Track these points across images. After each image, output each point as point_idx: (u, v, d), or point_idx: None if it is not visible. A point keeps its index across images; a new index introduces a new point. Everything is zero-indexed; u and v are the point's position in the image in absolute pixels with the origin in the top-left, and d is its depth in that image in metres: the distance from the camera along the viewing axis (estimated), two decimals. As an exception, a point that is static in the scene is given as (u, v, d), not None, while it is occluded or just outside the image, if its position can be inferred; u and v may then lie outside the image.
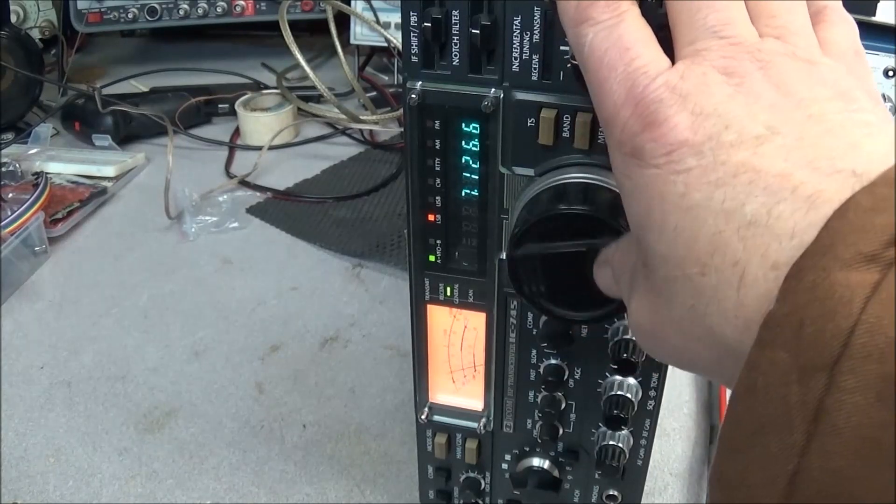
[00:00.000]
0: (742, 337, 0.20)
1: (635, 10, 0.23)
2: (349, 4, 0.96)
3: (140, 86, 1.05)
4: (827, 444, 0.16)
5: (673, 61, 0.22)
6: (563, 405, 0.37)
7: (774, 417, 0.17)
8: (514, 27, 0.28)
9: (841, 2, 0.25)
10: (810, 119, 0.20)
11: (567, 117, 0.29)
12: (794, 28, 0.22)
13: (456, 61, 0.29)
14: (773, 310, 0.18)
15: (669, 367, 0.35)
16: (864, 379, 0.16)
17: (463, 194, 0.32)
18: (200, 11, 1.05)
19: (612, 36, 0.23)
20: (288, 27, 0.83)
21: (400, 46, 0.53)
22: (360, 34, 1.00)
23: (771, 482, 0.17)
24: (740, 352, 0.19)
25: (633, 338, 0.26)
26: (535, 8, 0.27)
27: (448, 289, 0.35)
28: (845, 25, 0.24)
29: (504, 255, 0.33)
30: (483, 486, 0.42)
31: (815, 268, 0.18)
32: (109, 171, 0.84)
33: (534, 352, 0.36)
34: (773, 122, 0.20)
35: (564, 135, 0.29)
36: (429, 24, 0.28)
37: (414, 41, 0.29)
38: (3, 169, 0.78)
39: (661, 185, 0.21)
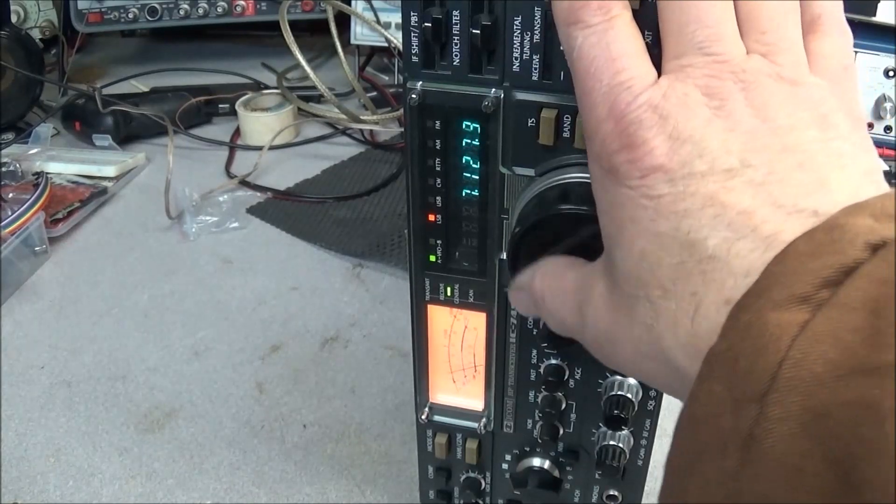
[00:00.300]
0: (692, 364, 0.20)
1: (627, 16, 0.23)
2: (349, 4, 0.96)
3: (140, 86, 1.06)
4: (756, 470, 0.17)
5: (660, 69, 0.22)
6: (564, 405, 0.37)
7: (711, 445, 0.18)
8: (515, 27, 0.28)
9: (841, 9, 0.24)
10: (784, 150, 0.21)
11: (567, 117, 0.29)
12: (783, 45, 0.22)
13: (456, 61, 0.29)
14: (713, 346, 0.19)
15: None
16: (790, 410, 0.16)
17: (463, 194, 0.32)
18: (201, 11, 1.05)
19: (602, 42, 0.22)
20: (288, 27, 0.83)
21: (400, 46, 0.53)
22: (361, 34, 1.00)
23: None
24: (689, 377, 0.20)
25: (586, 346, 0.26)
26: (536, 8, 0.27)
27: (448, 289, 0.35)
28: (840, 38, 0.24)
29: (504, 256, 0.33)
30: (483, 487, 0.42)
31: (751, 308, 0.19)
32: (110, 171, 0.84)
33: (534, 352, 0.36)
34: (747, 152, 0.21)
35: (565, 135, 0.29)
36: (429, 24, 0.28)
37: (414, 41, 0.29)
38: (4, 169, 0.78)
39: (633, 208, 0.22)
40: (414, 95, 0.30)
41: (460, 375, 0.38)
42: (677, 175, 0.21)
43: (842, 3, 0.24)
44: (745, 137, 0.21)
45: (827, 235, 0.18)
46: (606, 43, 0.22)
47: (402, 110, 0.56)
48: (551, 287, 0.27)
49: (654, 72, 0.22)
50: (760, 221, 0.20)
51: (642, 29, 0.23)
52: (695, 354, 0.20)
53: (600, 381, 0.36)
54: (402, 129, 0.82)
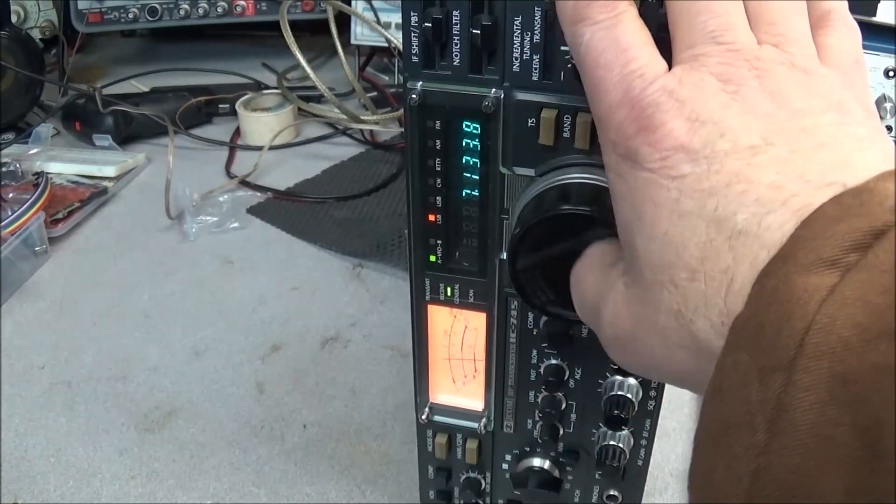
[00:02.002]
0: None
1: (633, 11, 0.23)
2: (350, 4, 0.96)
3: (140, 86, 1.06)
4: (785, 442, 0.16)
5: (670, 64, 0.22)
6: (564, 405, 0.37)
7: (738, 417, 0.18)
8: (515, 27, 0.28)
9: (847, 6, 0.25)
10: (803, 131, 0.21)
11: (567, 117, 0.29)
12: (792, 36, 0.22)
13: (456, 61, 0.29)
14: (738, 314, 0.19)
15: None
16: (818, 377, 0.16)
17: (463, 194, 0.32)
18: (201, 11, 1.05)
19: (610, 36, 0.22)
20: (288, 27, 0.83)
21: (400, 46, 0.53)
22: (361, 34, 1.00)
23: (736, 480, 0.17)
24: None
25: (604, 346, 0.26)
26: (536, 8, 0.27)
27: (448, 289, 0.35)
28: (848, 32, 0.24)
29: (504, 256, 0.33)
30: (483, 487, 0.42)
31: (777, 273, 0.18)
32: (110, 171, 0.84)
33: (534, 352, 0.36)
34: (768, 132, 0.20)
35: (565, 135, 0.29)
36: (429, 25, 0.28)
37: (414, 41, 0.29)
38: (4, 169, 0.78)
39: (654, 190, 0.21)
40: (414, 95, 0.30)
41: (460, 375, 0.38)
42: (700, 155, 0.21)
43: (847, 2, 0.25)
44: (764, 119, 0.21)
45: (856, 199, 0.18)
46: (615, 36, 0.22)
47: (402, 110, 0.57)
48: (581, 275, 0.27)
49: (664, 62, 0.22)
50: (790, 195, 0.19)
51: (643, 29, 0.23)
52: (730, 327, 0.20)
53: (600, 381, 0.36)
54: (402, 129, 0.82)
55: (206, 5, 1.05)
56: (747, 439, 0.17)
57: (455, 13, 0.28)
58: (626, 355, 0.25)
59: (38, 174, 0.78)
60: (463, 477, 0.42)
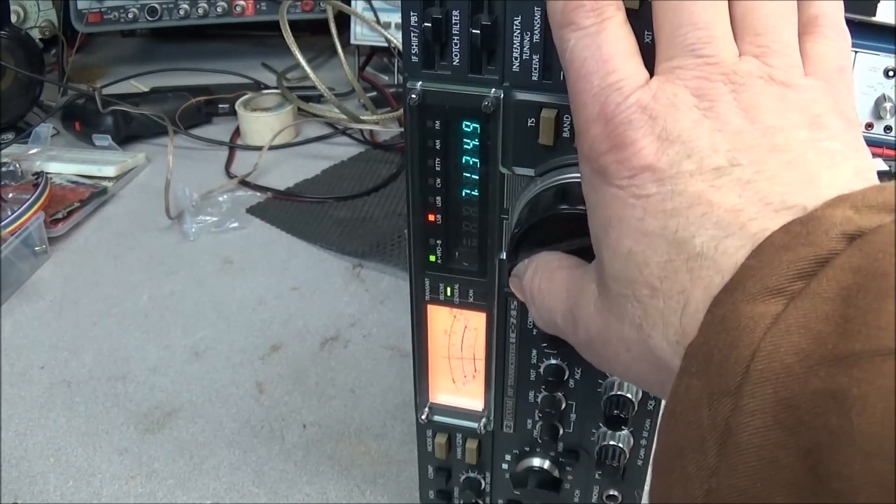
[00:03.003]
0: (680, 363, 0.20)
1: (620, 17, 0.23)
2: (349, 4, 0.96)
3: (140, 86, 1.05)
4: (734, 465, 0.17)
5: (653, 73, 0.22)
6: (564, 405, 0.37)
7: (691, 440, 0.18)
8: (515, 27, 0.28)
9: (841, 10, 0.24)
10: (773, 149, 0.21)
11: (567, 117, 0.29)
12: (776, 47, 0.22)
13: (456, 61, 0.29)
14: (692, 341, 0.19)
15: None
16: (763, 402, 0.16)
17: (463, 194, 0.32)
18: (200, 11, 1.05)
19: (593, 45, 0.23)
20: (288, 27, 0.83)
21: (400, 46, 0.53)
22: (361, 34, 1.00)
23: (691, 500, 0.18)
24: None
25: (577, 348, 0.26)
26: (536, 8, 0.27)
27: (448, 289, 0.35)
28: (836, 39, 0.24)
29: (504, 256, 0.33)
30: (483, 486, 0.42)
31: (727, 302, 0.19)
32: (110, 171, 0.84)
33: (534, 352, 0.36)
34: (735, 152, 0.21)
35: (565, 135, 0.29)
36: (429, 24, 0.28)
37: (414, 41, 0.29)
38: (4, 169, 0.78)
39: (621, 207, 0.22)
40: (414, 95, 0.30)
41: (460, 375, 0.38)
42: (665, 175, 0.21)
43: (842, 4, 0.24)
44: (733, 137, 0.21)
45: (803, 227, 0.18)
46: (598, 45, 0.22)
47: (402, 110, 0.56)
48: (542, 286, 0.27)
49: (645, 73, 0.22)
50: (748, 219, 0.20)
51: (642, 29, 0.23)
52: (684, 353, 0.20)
53: (600, 381, 0.36)
54: (402, 129, 0.82)
55: (205, 5, 1.05)
56: (699, 461, 0.18)
57: (455, 13, 0.28)
58: (598, 357, 0.25)
59: (38, 174, 0.78)
60: (463, 477, 0.42)
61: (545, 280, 0.27)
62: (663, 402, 0.36)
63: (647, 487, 0.40)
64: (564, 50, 0.23)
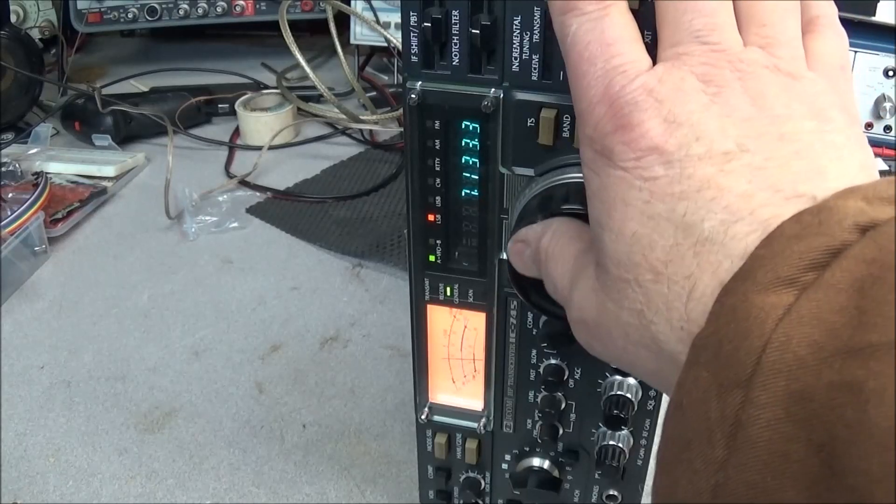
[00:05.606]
0: (684, 349, 0.20)
1: (622, 4, 0.23)
2: (349, 4, 0.96)
3: (140, 86, 1.06)
4: (743, 458, 0.16)
5: (655, 60, 0.22)
6: (563, 405, 0.37)
7: (698, 433, 0.18)
8: (515, 27, 0.28)
9: (836, 11, 0.24)
10: (782, 138, 0.21)
11: (567, 117, 0.29)
12: (782, 39, 0.22)
13: (456, 61, 0.29)
14: (699, 331, 0.19)
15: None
16: (775, 395, 0.16)
17: (463, 194, 0.32)
18: (200, 11, 1.05)
19: (596, 29, 0.22)
20: (288, 27, 0.83)
21: (400, 46, 0.53)
22: (360, 34, 1.00)
23: (697, 495, 0.18)
24: (680, 363, 0.20)
25: (571, 325, 0.25)
26: (535, 8, 0.27)
27: (448, 289, 0.35)
28: (836, 38, 0.24)
29: (504, 255, 0.33)
30: (483, 486, 0.42)
31: (737, 292, 0.18)
32: (109, 171, 0.84)
33: (534, 352, 0.36)
34: (744, 138, 0.20)
35: (564, 135, 0.29)
36: (429, 24, 0.28)
37: (414, 41, 0.29)
38: (3, 169, 0.78)
39: (626, 189, 0.21)
40: (413, 95, 0.30)
41: (460, 375, 0.38)
42: (674, 157, 0.21)
43: (836, 7, 0.25)
44: (742, 124, 0.21)
45: (815, 217, 0.18)
46: (601, 29, 0.22)
47: (401, 110, 0.57)
48: (556, 251, 0.27)
49: (649, 59, 0.22)
50: (758, 205, 0.20)
51: (641, 29, 0.23)
52: (688, 339, 0.20)
53: (600, 381, 0.36)
54: (402, 129, 0.82)
55: (205, 5, 1.05)
56: (707, 455, 0.17)
57: (454, 13, 0.28)
58: (591, 339, 0.25)
59: (38, 174, 0.78)
60: (462, 477, 0.42)
61: (563, 245, 0.27)
62: (664, 401, 0.36)
63: (647, 487, 0.40)
64: (566, 35, 0.23)
